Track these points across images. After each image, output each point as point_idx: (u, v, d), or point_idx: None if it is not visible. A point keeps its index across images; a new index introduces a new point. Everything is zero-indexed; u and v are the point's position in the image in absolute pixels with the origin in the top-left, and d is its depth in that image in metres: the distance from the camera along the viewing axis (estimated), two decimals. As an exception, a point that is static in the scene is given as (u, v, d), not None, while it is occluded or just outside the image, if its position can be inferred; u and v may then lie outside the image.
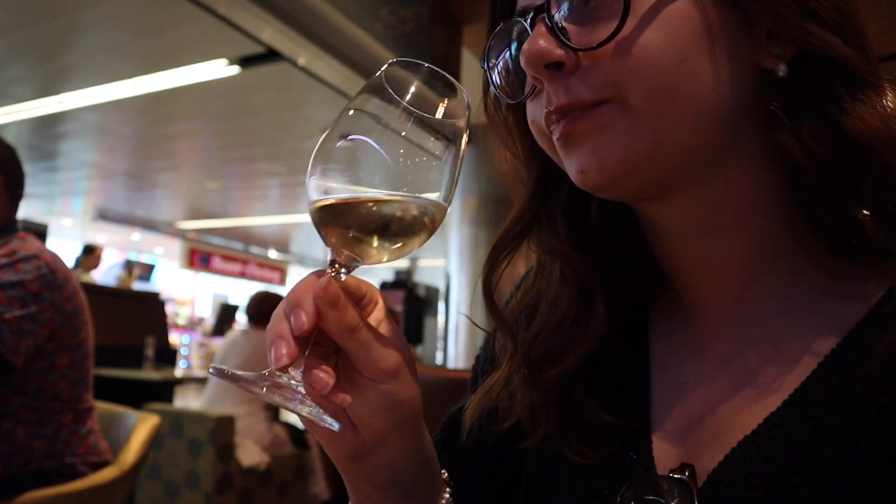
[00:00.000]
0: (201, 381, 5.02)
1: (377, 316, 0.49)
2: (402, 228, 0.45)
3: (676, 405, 0.51)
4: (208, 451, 3.22)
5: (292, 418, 4.66)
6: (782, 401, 0.45)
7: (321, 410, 0.44)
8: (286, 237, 14.65)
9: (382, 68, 0.47)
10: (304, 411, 0.43)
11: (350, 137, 0.45)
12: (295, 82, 5.13)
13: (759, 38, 0.45)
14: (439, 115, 0.46)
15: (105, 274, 9.06)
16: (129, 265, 9.74)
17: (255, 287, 11.18)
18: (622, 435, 0.51)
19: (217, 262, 15.41)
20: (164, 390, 4.30)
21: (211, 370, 0.45)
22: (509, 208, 0.57)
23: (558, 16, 0.45)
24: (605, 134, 0.44)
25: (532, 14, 0.47)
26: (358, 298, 0.48)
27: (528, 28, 0.47)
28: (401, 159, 0.44)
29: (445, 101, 0.46)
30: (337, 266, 0.46)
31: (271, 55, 4.66)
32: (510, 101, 0.52)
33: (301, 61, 4.60)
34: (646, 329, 0.57)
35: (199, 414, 3.34)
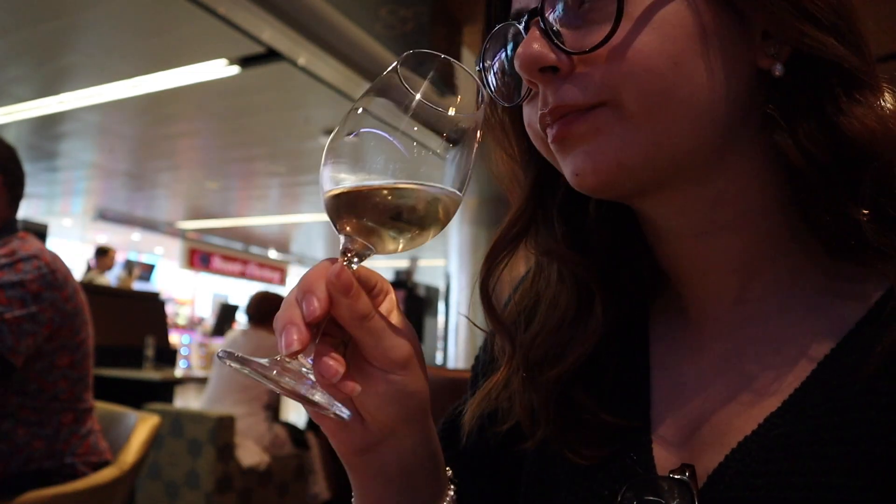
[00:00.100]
0: (201, 381, 5.02)
1: (387, 306, 0.49)
2: (416, 217, 0.45)
3: (676, 405, 0.51)
4: (208, 451, 3.22)
5: (292, 418, 4.66)
6: (782, 401, 0.45)
7: (332, 398, 0.43)
8: (286, 237, 14.64)
9: (398, 60, 0.47)
10: (316, 397, 0.43)
11: (364, 129, 0.45)
12: (295, 82, 5.12)
13: (754, 39, 0.45)
14: (455, 105, 0.46)
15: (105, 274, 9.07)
16: (129, 265, 9.76)
17: (255, 287, 11.17)
18: (622, 435, 0.51)
19: (217, 262, 15.41)
20: (164, 390, 4.30)
21: (220, 354, 0.44)
22: (509, 208, 0.57)
23: (553, 18, 0.45)
24: (600, 138, 0.44)
25: (526, 17, 0.46)
26: (369, 288, 0.48)
27: (523, 31, 0.46)
28: (415, 150, 0.44)
29: (461, 93, 0.47)
30: (349, 255, 0.46)
31: (271, 55, 4.65)
32: (506, 104, 0.52)
33: (301, 61, 4.59)
34: (646, 329, 0.57)
35: (199, 414, 3.34)
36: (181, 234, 13.97)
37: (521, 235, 0.56)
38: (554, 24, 0.45)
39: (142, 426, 2.05)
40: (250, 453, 3.45)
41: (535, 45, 0.44)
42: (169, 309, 10.86)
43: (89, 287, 4.19)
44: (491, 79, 0.52)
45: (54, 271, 1.81)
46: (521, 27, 0.47)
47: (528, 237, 0.56)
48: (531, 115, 0.49)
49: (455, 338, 5.63)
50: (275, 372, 0.43)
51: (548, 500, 0.55)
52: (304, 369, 0.44)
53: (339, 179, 0.45)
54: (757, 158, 0.47)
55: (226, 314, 8.86)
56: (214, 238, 14.64)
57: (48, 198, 10.93)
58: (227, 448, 3.29)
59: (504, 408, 0.58)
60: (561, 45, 0.44)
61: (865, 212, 0.43)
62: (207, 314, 15.59)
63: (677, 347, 0.54)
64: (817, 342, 0.46)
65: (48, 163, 8.64)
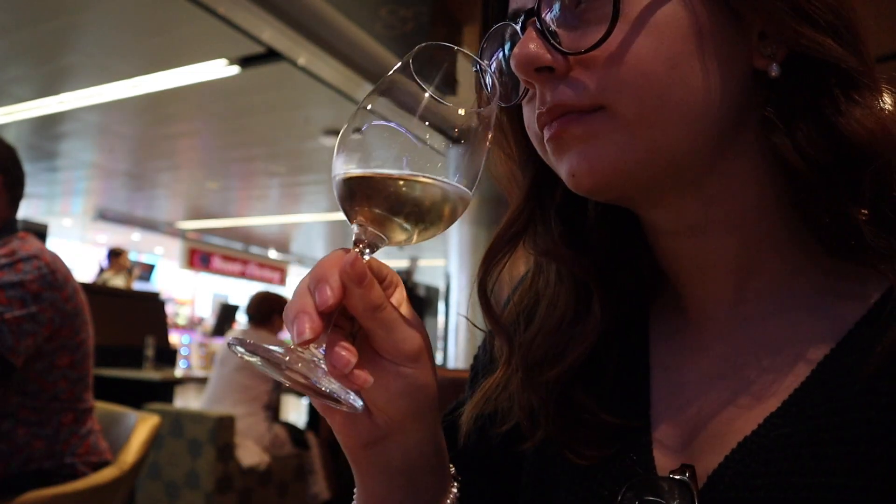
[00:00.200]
0: (201, 381, 5.01)
1: (398, 298, 0.48)
2: (430, 209, 0.45)
3: (676, 406, 0.51)
4: (208, 451, 3.23)
5: (292, 418, 4.65)
6: (782, 401, 0.45)
7: (344, 388, 0.43)
8: (286, 237, 14.63)
9: (412, 52, 0.46)
10: (328, 387, 0.42)
11: (376, 121, 0.45)
12: (295, 82, 5.12)
13: (750, 39, 0.44)
14: (467, 101, 0.46)
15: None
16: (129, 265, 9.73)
17: (256, 287, 11.17)
18: (622, 435, 0.51)
19: (217, 263, 15.40)
20: (164, 390, 4.30)
21: (230, 341, 0.44)
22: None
23: (549, 18, 0.45)
24: (595, 141, 0.44)
25: (523, 17, 0.46)
26: (380, 279, 0.47)
27: (520, 31, 0.46)
28: (427, 144, 0.44)
29: (473, 87, 0.47)
30: (361, 245, 0.46)
31: (271, 55, 4.65)
32: (503, 105, 0.52)
33: (301, 61, 4.59)
34: (646, 329, 0.57)
35: (199, 414, 3.34)
36: (181, 234, 13.97)
37: (519, 235, 0.56)
38: (550, 24, 0.45)
39: (142, 426, 2.05)
40: (250, 453, 3.45)
41: (532, 45, 0.44)
42: (169, 309, 10.86)
43: (89, 287, 4.19)
44: (488, 79, 0.52)
45: (54, 271, 1.81)
46: (517, 27, 0.47)
47: (526, 237, 0.56)
48: (531, 115, 0.49)
49: (455, 338, 5.63)
50: (287, 360, 0.42)
51: (548, 500, 0.55)
52: (315, 359, 0.43)
53: (353, 166, 0.45)
54: (755, 159, 0.47)
55: (226, 314, 8.85)
56: (214, 238, 14.63)
57: (48, 198, 10.93)
58: (227, 448, 3.29)
59: (503, 408, 0.58)
60: (557, 46, 0.44)
61: (864, 212, 0.43)
62: (207, 314, 15.59)
63: (677, 347, 0.54)
64: (817, 342, 0.46)
65: (48, 163, 8.64)
